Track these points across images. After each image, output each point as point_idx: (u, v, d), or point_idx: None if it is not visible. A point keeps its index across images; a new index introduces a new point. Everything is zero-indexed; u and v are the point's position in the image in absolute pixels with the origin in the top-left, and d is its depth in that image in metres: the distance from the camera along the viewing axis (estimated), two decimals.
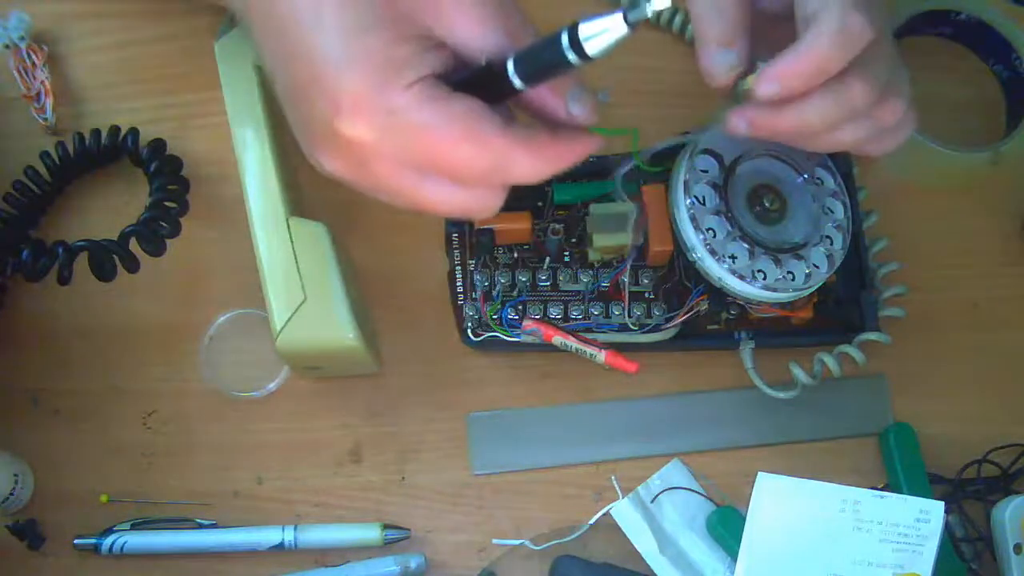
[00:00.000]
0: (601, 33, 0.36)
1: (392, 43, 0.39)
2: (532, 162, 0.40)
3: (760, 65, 0.44)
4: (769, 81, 0.43)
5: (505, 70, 0.39)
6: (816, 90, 0.43)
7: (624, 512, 0.55)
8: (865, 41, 0.42)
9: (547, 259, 0.56)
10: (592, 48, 0.37)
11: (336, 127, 0.39)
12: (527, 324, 0.55)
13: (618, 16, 0.36)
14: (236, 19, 0.56)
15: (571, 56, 0.37)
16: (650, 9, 0.36)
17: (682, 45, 0.63)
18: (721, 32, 0.45)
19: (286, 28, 0.40)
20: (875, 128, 0.46)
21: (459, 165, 0.39)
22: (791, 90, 0.43)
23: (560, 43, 0.37)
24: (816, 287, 0.55)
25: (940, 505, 0.51)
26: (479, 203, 0.42)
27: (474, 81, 0.40)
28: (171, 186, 0.57)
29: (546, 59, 0.39)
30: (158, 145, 0.58)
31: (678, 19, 0.62)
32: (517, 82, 0.39)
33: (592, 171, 0.57)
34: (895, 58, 0.46)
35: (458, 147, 0.39)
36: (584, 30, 0.37)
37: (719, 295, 0.54)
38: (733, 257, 0.52)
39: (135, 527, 0.55)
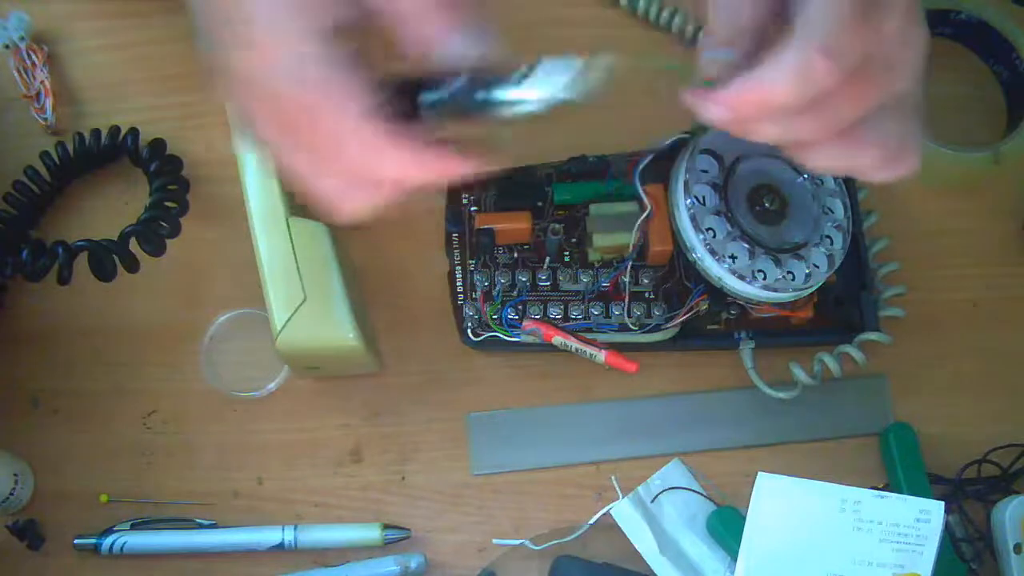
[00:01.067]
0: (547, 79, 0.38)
1: None
2: (392, 151, 0.39)
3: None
4: (718, 105, 0.40)
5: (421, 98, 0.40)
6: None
7: (624, 512, 0.55)
8: (826, 85, 0.39)
9: (547, 259, 0.56)
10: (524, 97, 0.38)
11: (237, 63, 0.39)
12: (527, 324, 0.55)
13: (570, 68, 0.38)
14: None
15: (508, 113, 0.38)
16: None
17: (681, 46, 0.63)
18: (722, 30, 0.42)
19: None
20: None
21: (318, 122, 0.39)
22: (741, 118, 0.41)
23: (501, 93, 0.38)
24: (816, 287, 0.55)
25: (940, 505, 0.51)
26: (333, 190, 0.41)
27: (394, 84, 0.41)
28: (171, 186, 0.57)
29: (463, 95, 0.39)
30: (158, 145, 0.58)
31: (678, 19, 0.62)
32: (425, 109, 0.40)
33: (592, 171, 0.57)
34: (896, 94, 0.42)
35: (323, 100, 0.39)
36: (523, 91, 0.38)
37: (719, 295, 0.54)
38: (733, 257, 0.52)
39: (135, 527, 0.55)
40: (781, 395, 0.56)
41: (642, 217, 0.54)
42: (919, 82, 0.42)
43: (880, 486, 0.56)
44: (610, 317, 0.55)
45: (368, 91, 0.39)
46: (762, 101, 0.40)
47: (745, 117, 0.40)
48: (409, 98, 0.40)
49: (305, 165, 0.41)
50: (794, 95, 0.39)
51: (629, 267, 0.55)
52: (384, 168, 0.40)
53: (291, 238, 0.52)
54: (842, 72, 0.39)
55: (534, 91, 0.38)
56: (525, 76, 0.38)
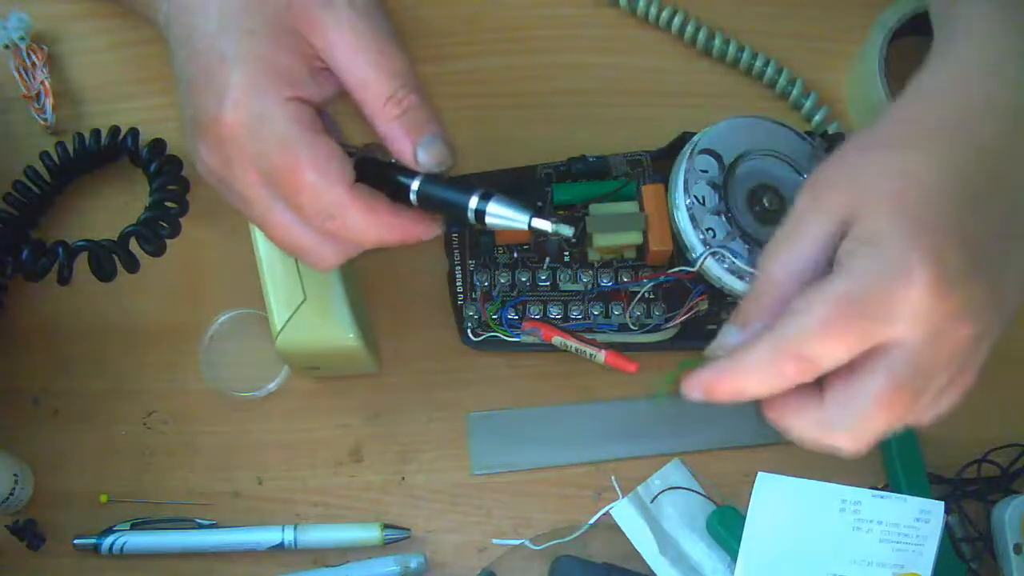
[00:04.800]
0: (504, 218, 0.41)
1: (277, 50, 0.41)
2: (367, 223, 0.42)
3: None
4: (695, 389, 0.41)
5: (408, 181, 0.43)
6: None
7: (624, 512, 0.55)
8: (801, 380, 0.39)
9: (547, 259, 0.56)
10: (489, 221, 0.41)
11: (215, 117, 0.41)
12: (527, 324, 0.55)
13: (525, 217, 0.41)
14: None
15: (470, 216, 0.41)
16: (552, 228, 0.41)
17: (681, 46, 0.63)
18: (745, 307, 0.42)
19: (191, 34, 0.43)
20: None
21: (300, 192, 0.41)
22: (718, 401, 0.41)
23: (466, 204, 0.41)
24: None
25: (940, 505, 0.51)
26: (316, 250, 0.44)
27: (375, 167, 0.43)
28: (171, 186, 0.57)
29: (447, 199, 0.42)
30: (158, 145, 0.58)
31: (677, 19, 0.62)
32: (412, 195, 0.43)
33: (592, 171, 0.57)
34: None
35: (303, 174, 0.41)
36: (492, 208, 0.41)
37: (719, 295, 0.54)
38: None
39: (135, 527, 0.55)
40: None
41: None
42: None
43: (880, 486, 0.56)
44: (610, 317, 0.55)
45: (346, 159, 0.42)
46: (734, 391, 0.40)
47: (722, 401, 0.41)
48: (380, 168, 0.44)
49: (282, 219, 0.43)
50: (764, 390, 0.40)
51: (643, 270, 0.55)
52: (360, 232, 0.42)
53: None
54: (816, 374, 0.39)
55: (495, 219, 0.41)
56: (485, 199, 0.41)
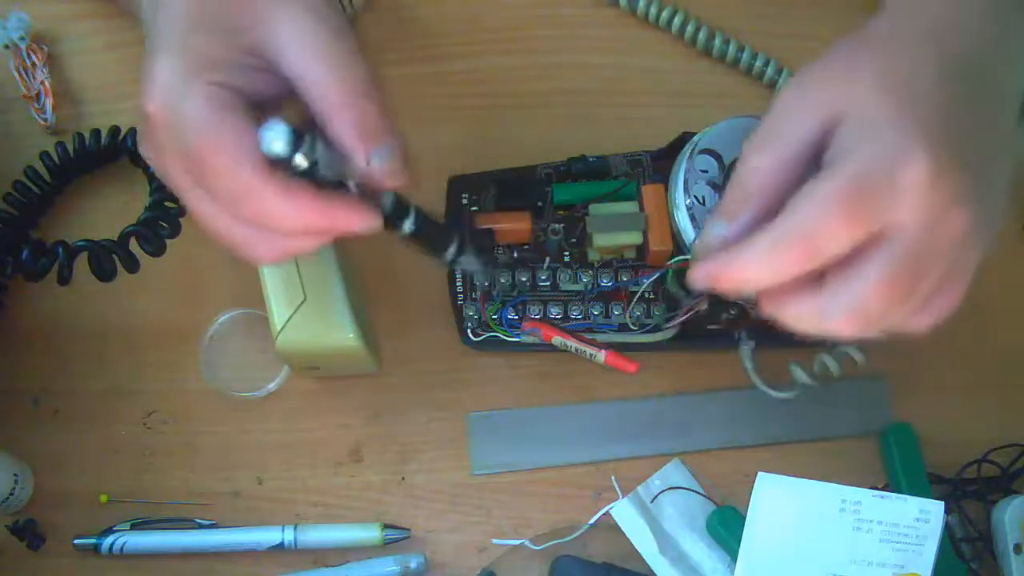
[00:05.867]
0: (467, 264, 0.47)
1: (210, 43, 0.41)
2: (284, 207, 0.39)
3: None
4: (701, 278, 0.42)
5: (399, 220, 0.44)
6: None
7: (624, 512, 0.55)
8: (801, 272, 0.39)
9: (547, 259, 0.56)
10: (460, 263, 0.47)
11: (144, 105, 0.41)
12: (527, 324, 0.55)
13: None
14: None
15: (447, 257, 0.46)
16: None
17: (681, 45, 0.63)
18: (730, 200, 0.42)
19: (151, 31, 0.43)
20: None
21: (209, 174, 0.40)
22: (724, 290, 0.42)
23: (451, 244, 0.46)
24: None
25: (940, 505, 0.51)
26: (245, 241, 0.42)
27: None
28: None
29: (433, 233, 0.46)
30: None
31: (677, 19, 0.62)
32: (405, 230, 0.44)
33: (592, 171, 0.57)
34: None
35: (212, 155, 0.39)
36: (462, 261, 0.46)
37: (719, 295, 0.54)
38: None
39: (135, 527, 0.55)
40: (781, 395, 0.56)
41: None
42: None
43: (880, 486, 0.56)
44: (610, 317, 0.55)
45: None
46: (739, 280, 0.41)
47: (726, 289, 0.41)
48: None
49: (211, 210, 0.42)
50: (767, 279, 0.40)
51: (643, 270, 0.55)
52: (279, 218, 0.40)
53: None
54: (819, 262, 0.39)
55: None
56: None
